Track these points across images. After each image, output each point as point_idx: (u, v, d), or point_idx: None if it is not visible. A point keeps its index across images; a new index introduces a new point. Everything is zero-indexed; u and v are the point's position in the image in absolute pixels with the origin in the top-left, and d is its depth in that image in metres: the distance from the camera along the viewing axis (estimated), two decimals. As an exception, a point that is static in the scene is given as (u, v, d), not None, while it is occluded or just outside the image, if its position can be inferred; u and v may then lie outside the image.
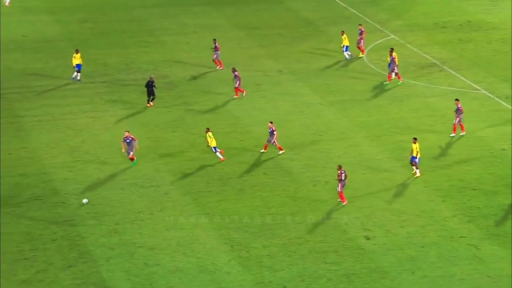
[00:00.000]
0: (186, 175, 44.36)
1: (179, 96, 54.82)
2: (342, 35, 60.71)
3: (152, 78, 53.61)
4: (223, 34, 66.30)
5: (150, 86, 52.98)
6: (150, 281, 35.63)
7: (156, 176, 44.25)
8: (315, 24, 68.09)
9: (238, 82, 53.88)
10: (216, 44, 58.60)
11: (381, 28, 67.13)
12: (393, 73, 56.08)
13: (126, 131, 44.89)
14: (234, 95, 54.15)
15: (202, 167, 45.25)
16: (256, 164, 45.66)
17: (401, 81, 56.09)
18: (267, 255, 37.33)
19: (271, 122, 46.49)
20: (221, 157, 45.71)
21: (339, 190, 41.40)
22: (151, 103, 53.30)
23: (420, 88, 56.03)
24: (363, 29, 60.91)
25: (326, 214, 40.60)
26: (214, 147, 45.72)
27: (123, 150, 44.97)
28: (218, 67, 58.78)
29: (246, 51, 63.14)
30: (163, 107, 53.07)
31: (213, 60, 58.74)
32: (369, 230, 39.26)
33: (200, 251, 37.64)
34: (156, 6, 72.85)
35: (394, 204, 41.55)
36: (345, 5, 72.78)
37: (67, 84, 56.39)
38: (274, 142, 46.26)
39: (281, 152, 46.36)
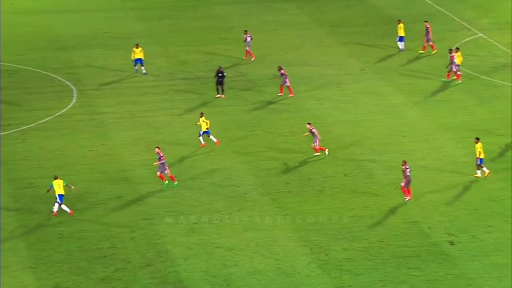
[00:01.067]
0: (265, 175, 44.44)
1: (259, 95, 54.94)
2: (399, 24, 60.46)
3: (220, 68, 53.97)
4: (304, 32, 66.21)
5: (219, 77, 53.30)
6: (228, 282, 35.79)
7: (235, 176, 44.43)
8: (399, 21, 67.40)
9: (285, 80, 53.77)
10: (246, 35, 59.23)
11: (468, 26, 66.09)
12: (457, 72, 55.33)
13: (156, 147, 43.46)
14: (289, 94, 54.06)
15: (281, 167, 45.27)
16: (337, 164, 45.46)
17: (447, 80, 55.28)
18: (347, 259, 37.14)
19: (309, 124, 46.13)
20: (214, 140, 46.87)
21: (402, 185, 41.17)
22: (222, 95, 53.65)
23: (509, 88, 54.98)
24: (428, 26, 60.29)
25: (408, 218, 40.17)
26: (205, 131, 46.54)
27: (155, 163, 43.59)
28: (252, 58, 59.67)
29: (327, 49, 62.92)
30: (243, 106, 53.28)
31: (248, 52, 59.58)
32: (453, 235, 38.71)
33: (279, 253, 37.65)
34: (237, 3, 73.13)
35: (479, 209, 40.87)
36: (430, 3, 71.90)
37: (146, 81, 57.06)
38: (316, 142, 45.92)
39: (316, 154, 46.03)
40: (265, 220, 40.26)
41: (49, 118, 51.20)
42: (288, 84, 53.87)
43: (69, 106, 53.00)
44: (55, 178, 40.59)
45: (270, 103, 53.71)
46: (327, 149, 46.25)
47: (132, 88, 56.09)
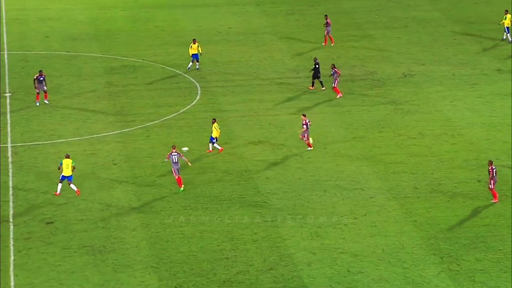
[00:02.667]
0: (392, 179, 43.98)
1: (387, 94, 54.47)
2: (506, 14, 59.16)
3: (316, 59, 54.46)
4: (437, 29, 65.27)
5: (314, 68, 53.81)
6: (352, 290, 35.64)
7: (361, 178, 44.15)
8: (541, 18, 65.74)
9: (336, 80, 53.05)
10: (328, 20, 60.97)
11: None
12: None
13: (172, 146, 43.12)
14: (337, 95, 53.56)
15: (410, 171, 44.71)
16: (470, 170, 44.58)
17: None
18: (480, 270, 36.37)
19: (304, 115, 46.57)
20: (209, 148, 46.37)
21: (492, 187, 40.59)
22: (322, 88, 54.34)
23: None
24: None
25: (546, 229, 39.10)
26: (213, 138, 46.16)
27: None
28: (326, 43, 61.41)
29: (461, 47, 61.88)
30: (370, 105, 52.92)
31: (324, 36, 61.59)
32: None
33: (407, 261, 37.20)
34: (366, -2, 72.87)
35: None
36: None
37: (270, 79, 57.31)
38: (304, 136, 46.45)
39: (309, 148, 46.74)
40: (392, 226, 39.84)
41: (172, 115, 52.06)
42: (334, 85, 53.22)
43: (192, 103, 53.75)
44: (67, 156, 42.18)
45: (399, 103, 53.14)
46: (312, 148, 46.68)
47: (256, 85, 56.45)
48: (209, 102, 53.89)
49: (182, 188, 42.81)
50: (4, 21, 67.99)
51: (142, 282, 36.08)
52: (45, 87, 52.68)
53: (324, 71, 55.33)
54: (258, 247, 38.40)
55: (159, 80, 57.33)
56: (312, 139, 47.63)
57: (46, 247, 38.24)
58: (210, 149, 46.67)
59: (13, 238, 38.88)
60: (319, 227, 39.89)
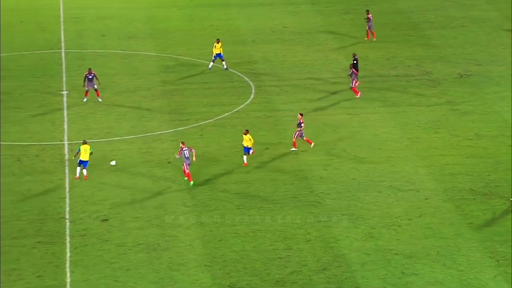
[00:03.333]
0: (448, 180, 43.60)
1: (443, 94, 54.02)
2: None
3: (355, 54, 54.42)
4: (494, 29, 64.60)
5: (353, 64, 53.98)
6: (407, 292, 35.43)
7: (416, 179, 43.84)
8: None
9: (354, 80, 52.56)
10: (369, 15, 61.64)
11: None
12: None
13: (181, 142, 43.45)
14: (355, 95, 53.32)
15: (466, 172, 44.29)
16: (528, 172, 44.08)
17: None
18: (537, 274, 35.96)
19: (301, 114, 46.44)
20: (245, 161, 45.31)
21: None
22: (359, 82, 54.51)
23: None
24: None
25: None
26: (248, 149, 45.05)
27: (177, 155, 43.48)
28: (368, 38, 62.21)
29: (518, 47, 61.22)
30: (426, 106, 52.53)
31: (366, 31, 62.23)
32: None
33: (462, 263, 36.86)
34: (423, -2, 72.42)
35: None
36: None
37: (323, 79, 57.14)
38: (297, 134, 46.29)
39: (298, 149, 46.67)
40: (447, 227, 39.50)
41: (226, 114, 52.20)
42: (353, 85, 53.15)
43: (246, 103, 53.82)
44: (84, 143, 43.75)
45: (455, 103, 52.66)
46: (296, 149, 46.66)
47: (311, 85, 56.34)
48: (263, 102, 53.91)
49: (192, 182, 43.15)
50: (62, 19, 68.78)
51: (196, 280, 36.23)
52: (95, 85, 53.14)
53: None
54: (312, 247, 38.34)
55: (214, 79, 57.50)
56: (366, 139, 47.36)
57: (101, 244, 38.61)
58: (245, 161, 45.64)
59: (69, 235, 39.33)
60: (373, 228, 39.71)
